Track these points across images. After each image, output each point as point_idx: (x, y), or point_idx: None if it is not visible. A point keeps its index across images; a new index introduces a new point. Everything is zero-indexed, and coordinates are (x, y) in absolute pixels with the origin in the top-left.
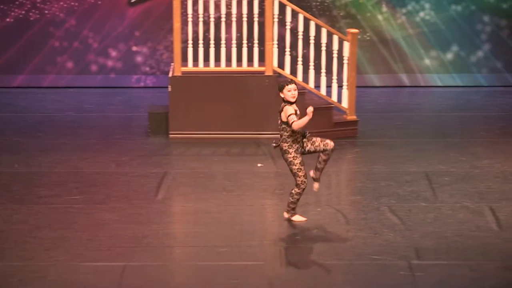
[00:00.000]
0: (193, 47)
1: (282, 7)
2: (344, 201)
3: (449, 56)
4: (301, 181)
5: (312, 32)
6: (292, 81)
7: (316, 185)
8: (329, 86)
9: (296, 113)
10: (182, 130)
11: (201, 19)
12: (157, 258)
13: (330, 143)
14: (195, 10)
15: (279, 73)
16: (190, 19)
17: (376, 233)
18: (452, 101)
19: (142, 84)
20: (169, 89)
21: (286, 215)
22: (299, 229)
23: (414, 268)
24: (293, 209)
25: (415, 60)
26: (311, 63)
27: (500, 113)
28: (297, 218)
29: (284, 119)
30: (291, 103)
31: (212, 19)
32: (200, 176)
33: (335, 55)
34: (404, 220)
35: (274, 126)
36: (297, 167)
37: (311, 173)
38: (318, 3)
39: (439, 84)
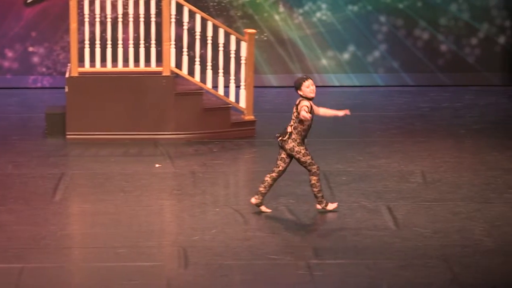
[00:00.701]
0: (90, 47)
1: (179, 7)
2: (243, 201)
3: (346, 56)
4: (316, 167)
5: (210, 32)
6: (308, 77)
7: (331, 206)
8: (226, 86)
9: (310, 107)
10: (80, 130)
11: (98, 20)
12: (55, 260)
13: (315, 170)
14: (92, 10)
15: (176, 74)
16: (86, 20)
17: (274, 233)
18: (349, 101)
19: (39, 85)
20: (66, 89)
21: (319, 206)
22: (197, 229)
23: (312, 267)
24: (322, 197)
25: (312, 60)
26: (209, 63)
27: (396, 112)
28: (330, 206)
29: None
30: (308, 99)
31: (109, 20)
32: (98, 177)
33: (232, 55)
34: (302, 220)
35: (172, 126)
36: (310, 158)
37: (317, 206)
38: (215, 4)
39: (336, 84)
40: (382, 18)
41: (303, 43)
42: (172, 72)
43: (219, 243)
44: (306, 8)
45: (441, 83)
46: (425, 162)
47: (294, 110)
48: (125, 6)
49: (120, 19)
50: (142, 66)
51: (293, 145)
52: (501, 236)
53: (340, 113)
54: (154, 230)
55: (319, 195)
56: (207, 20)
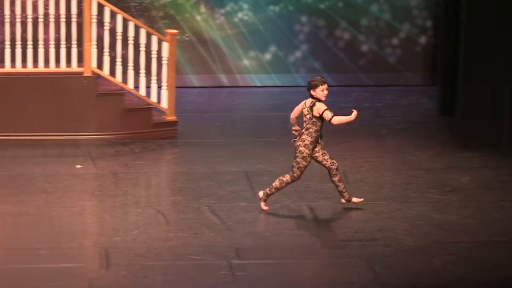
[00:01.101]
0: (10, 48)
1: (100, 7)
2: (164, 201)
3: (268, 56)
4: (297, 176)
5: (131, 33)
6: (324, 81)
7: (355, 199)
8: (148, 87)
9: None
10: (0, 131)
11: (18, 20)
12: None
13: (335, 163)
14: (13, 10)
15: (97, 74)
16: (7, 20)
17: (196, 233)
18: (271, 101)
19: None
20: None
21: (261, 195)
22: (119, 230)
23: (234, 267)
24: (272, 194)
25: (234, 60)
26: (130, 64)
27: None
28: (264, 206)
29: (316, 114)
30: (320, 101)
31: (29, 20)
32: (19, 178)
33: (154, 55)
34: (224, 220)
35: (93, 127)
36: (304, 166)
37: (343, 200)
38: (136, 4)
39: (258, 84)
40: (304, 19)
41: (225, 44)
42: (93, 72)
43: (141, 244)
44: (228, 8)
45: (363, 83)
46: (347, 162)
47: (306, 112)
48: (46, 6)
49: (41, 20)
50: (63, 67)
51: (299, 144)
52: (422, 235)
53: (353, 115)
54: (76, 231)
55: (272, 192)
56: (128, 20)
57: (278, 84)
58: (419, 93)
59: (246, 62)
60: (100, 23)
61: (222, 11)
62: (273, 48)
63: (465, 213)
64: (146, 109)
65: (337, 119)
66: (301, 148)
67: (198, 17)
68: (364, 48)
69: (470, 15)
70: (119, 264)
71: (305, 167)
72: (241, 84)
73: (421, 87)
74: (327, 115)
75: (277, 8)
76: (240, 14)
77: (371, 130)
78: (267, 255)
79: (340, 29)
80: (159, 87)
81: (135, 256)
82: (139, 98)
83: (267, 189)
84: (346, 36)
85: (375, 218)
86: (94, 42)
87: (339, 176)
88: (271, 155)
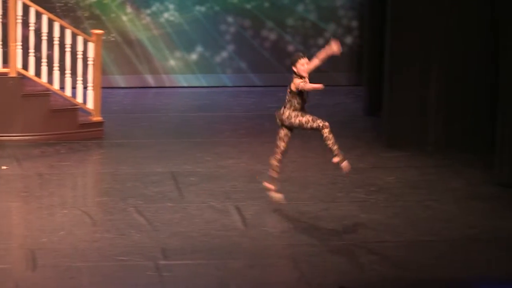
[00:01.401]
0: None
1: (25, 8)
2: (91, 202)
3: (194, 56)
4: (322, 121)
5: (57, 33)
6: (303, 55)
7: (345, 164)
8: (74, 88)
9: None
10: None
11: None
12: None
13: (323, 123)
14: None
15: (23, 75)
16: None
17: (123, 234)
18: (198, 102)
19: None
20: None
21: (336, 159)
22: (45, 231)
23: (161, 268)
24: (338, 149)
25: (160, 60)
26: (56, 64)
27: (244, 113)
28: (345, 165)
29: (293, 88)
30: (301, 77)
31: None
32: None
33: (79, 56)
34: (151, 221)
35: (19, 128)
36: (310, 118)
37: (334, 160)
38: (62, 4)
39: (184, 84)
40: (230, 19)
41: (151, 44)
42: (18, 73)
43: (67, 245)
44: (154, 8)
45: (289, 83)
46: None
47: (288, 87)
48: None
49: None
50: None
51: (289, 112)
52: (348, 235)
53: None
54: (2, 232)
55: (336, 147)
56: (53, 21)
57: (205, 84)
58: (345, 93)
59: (172, 62)
60: (25, 24)
61: (148, 11)
62: (199, 49)
63: (391, 213)
64: (72, 110)
65: (306, 85)
66: (293, 114)
67: (124, 18)
68: (290, 48)
69: (395, 15)
70: (45, 265)
71: (312, 115)
72: (168, 85)
73: (347, 87)
74: (297, 82)
75: (203, 8)
76: (166, 15)
77: (296, 130)
78: (194, 256)
79: (267, 29)
80: (85, 87)
81: (61, 257)
82: (65, 98)
83: (334, 153)
84: (273, 36)
85: (301, 218)
86: (19, 43)
87: (328, 136)
88: (197, 155)
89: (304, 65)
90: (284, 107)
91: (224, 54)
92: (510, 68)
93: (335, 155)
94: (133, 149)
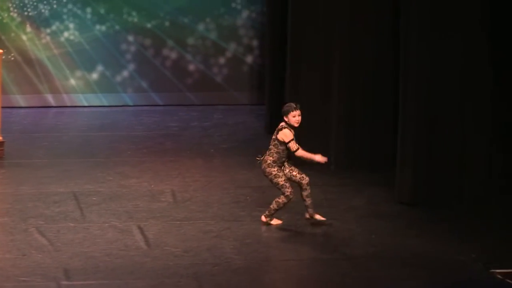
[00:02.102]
0: None
1: None
2: None
3: (95, 76)
4: (290, 191)
5: None
6: (297, 107)
7: (318, 217)
8: None
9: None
10: None
11: None
12: None
13: (306, 178)
14: None
15: None
16: None
17: (24, 255)
18: (99, 121)
19: None
20: None
21: (264, 219)
22: None
23: None
24: (273, 214)
25: (60, 80)
26: None
27: (146, 132)
28: (275, 221)
29: (280, 139)
30: (293, 127)
31: None
32: None
33: None
34: (52, 241)
35: None
36: (283, 180)
37: (307, 215)
38: None
39: (85, 104)
40: (130, 38)
41: (51, 63)
42: None
43: None
44: (54, 28)
45: (190, 102)
46: (175, 181)
47: (275, 133)
48: None
49: None
50: None
51: (264, 167)
52: (251, 253)
53: (317, 157)
54: None
55: (273, 212)
56: None
57: (106, 103)
58: (247, 112)
59: (73, 81)
60: None
61: (48, 30)
62: (100, 68)
63: (294, 231)
64: None
65: (301, 153)
66: (267, 170)
67: (24, 37)
68: (191, 67)
69: (295, 34)
70: None
71: (285, 180)
72: (68, 104)
73: (249, 106)
74: (293, 147)
75: (103, 28)
76: (66, 34)
77: (198, 149)
78: (96, 276)
79: (167, 48)
80: None
81: None
82: None
83: (267, 211)
84: (173, 55)
85: (204, 237)
86: None
87: (308, 191)
88: (99, 175)
89: (295, 117)
90: (263, 156)
91: (125, 73)
92: (408, 88)
93: (266, 215)
94: (34, 169)
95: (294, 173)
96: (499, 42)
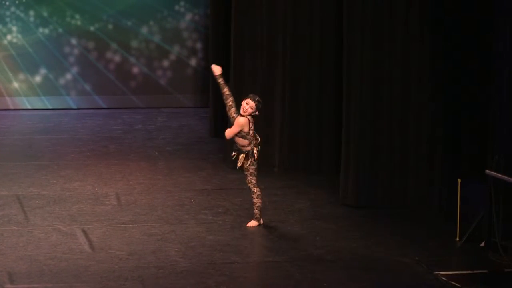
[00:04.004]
0: None
1: None
2: None
3: (38, 79)
4: (259, 190)
5: None
6: (251, 96)
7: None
8: None
9: (243, 127)
10: None
11: None
12: None
13: (257, 190)
14: None
15: None
16: None
17: None
18: (42, 124)
19: None
20: None
21: (261, 221)
22: None
23: None
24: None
25: (3, 83)
26: None
27: (90, 135)
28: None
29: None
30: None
31: None
32: None
33: None
34: None
35: None
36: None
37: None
38: None
39: (28, 107)
40: (74, 41)
41: None
42: None
43: None
44: None
45: (134, 105)
46: (119, 184)
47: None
48: None
49: None
50: None
51: (252, 161)
52: (196, 256)
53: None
54: None
55: (259, 212)
56: None
57: (49, 106)
58: (191, 115)
59: (16, 84)
60: None
61: None
62: (43, 71)
63: (238, 234)
64: None
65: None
66: (248, 166)
67: None
68: (135, 70)
69: (238, 37)
70: None
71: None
72: (11, 107)
73: (193, 109)
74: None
75: (46, 31)
76: (9, 37)
77: (142, 152)
78: (41, 279)
79: (111, 51)
80: None
81: None
82: None
83: (256, 213)
84: (117, 58)
85: (149, 240)
86: None
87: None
88: (43, 178)
89: (243, 104)
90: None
91: (68, 76)
92: (351, 89)
93: (257, 219)
94: None
95: (251, 172)
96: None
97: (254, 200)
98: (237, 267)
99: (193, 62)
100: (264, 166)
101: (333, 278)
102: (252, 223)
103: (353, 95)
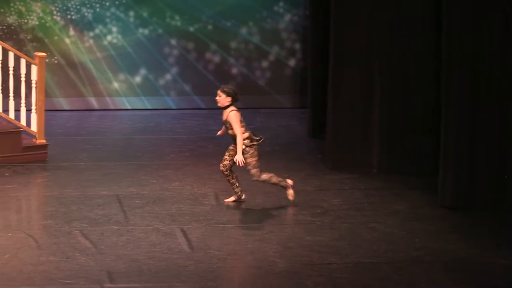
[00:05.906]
0: None
1: None
2: (36, 225)
3: (138, 79)
4: (267, 174)
5: None
6: (220, 88)
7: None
8: (17, 110)
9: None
10: None
11: None
12: None
13: (267, 175)
14: None
15: None
16: None
17: (68, 257)
18: (142, 124)
19: None
20: None
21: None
22: None
23: None
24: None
25: (103, 83)
26: None
27: (189, 135)
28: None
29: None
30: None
31: None
32: None
33: (23, 78)
34: (96, 244)
35: None
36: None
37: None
38: (4, 27)
39: (128, 107)
40: (173, 41)
41: (94, 66)
42: None
43: (12, 268)
44: (97, 31)
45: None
46: (218, 184)
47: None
48: None
49: None
50: None
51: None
52: (294, 257)
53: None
54: None
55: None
56: None
57: (149, 107)
58: (289, 115)
59: (116, 85)
60: None
61: (91, 34)
62: (143, 71)
63: (337, 235)
64: (16, 133)
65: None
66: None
67: (67, 40)
68: (234, 71)
69: (337, 38)
70: None
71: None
72: (111, 107)
73: (291, 110)
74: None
75: (146, 31)
76: (109, 37)
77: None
78: (140, 279)
79: (210, 52)
80: (29, 110)
81: (6, 281)
82: (8, 121)
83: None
84: (216, 59)
85: (247, 240)
86: None
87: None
88: (143, 178)
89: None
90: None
91: (168, 76)
92: (451, 91)
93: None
94: (78, 172)
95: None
96: None
97: (274, 180)
98: (335, 268)
99: (291, 62)
100: (362, 167)
101: (431, 279)
102: (290, 193)
103: (452, 97)
